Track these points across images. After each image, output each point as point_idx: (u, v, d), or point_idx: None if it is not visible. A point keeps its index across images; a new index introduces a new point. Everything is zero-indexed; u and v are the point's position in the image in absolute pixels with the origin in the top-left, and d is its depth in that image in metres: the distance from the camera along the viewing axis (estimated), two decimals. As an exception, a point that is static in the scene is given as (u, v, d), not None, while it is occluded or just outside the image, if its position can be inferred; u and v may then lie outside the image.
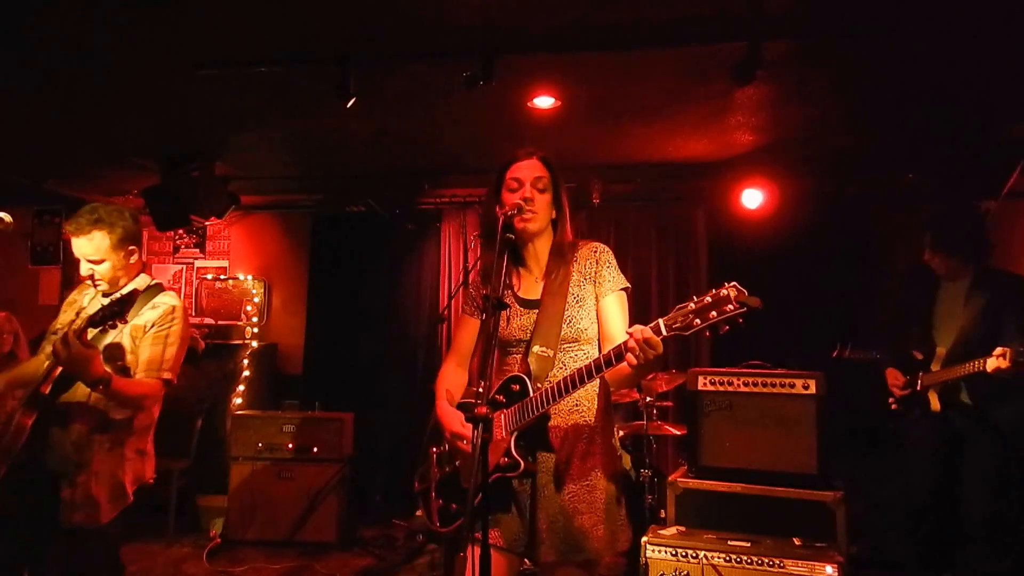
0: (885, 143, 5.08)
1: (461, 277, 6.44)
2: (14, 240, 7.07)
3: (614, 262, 2.46)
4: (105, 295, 2.98)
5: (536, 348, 2.34)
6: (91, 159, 5.69)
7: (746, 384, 4.10)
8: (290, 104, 4.45)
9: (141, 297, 2.94)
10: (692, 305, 1.96)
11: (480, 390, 2.08)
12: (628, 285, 2.45)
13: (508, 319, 2.41)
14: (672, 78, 3.97)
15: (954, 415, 3.96)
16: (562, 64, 3.82)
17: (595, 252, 2.46)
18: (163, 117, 4.71)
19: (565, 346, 2.37)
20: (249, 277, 7.03)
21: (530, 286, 2.48)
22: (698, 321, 1.94)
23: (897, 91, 4.15)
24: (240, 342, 6.63)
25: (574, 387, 2.20)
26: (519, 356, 2.40)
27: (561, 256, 2.45)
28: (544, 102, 4.28)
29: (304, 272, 7.05)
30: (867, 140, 5.03)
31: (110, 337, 2.85)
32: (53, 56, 3.75)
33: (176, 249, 7.24)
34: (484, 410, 2.01)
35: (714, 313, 1.91)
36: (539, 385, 2.29)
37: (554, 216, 2.48)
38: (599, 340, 2.44)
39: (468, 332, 2.61)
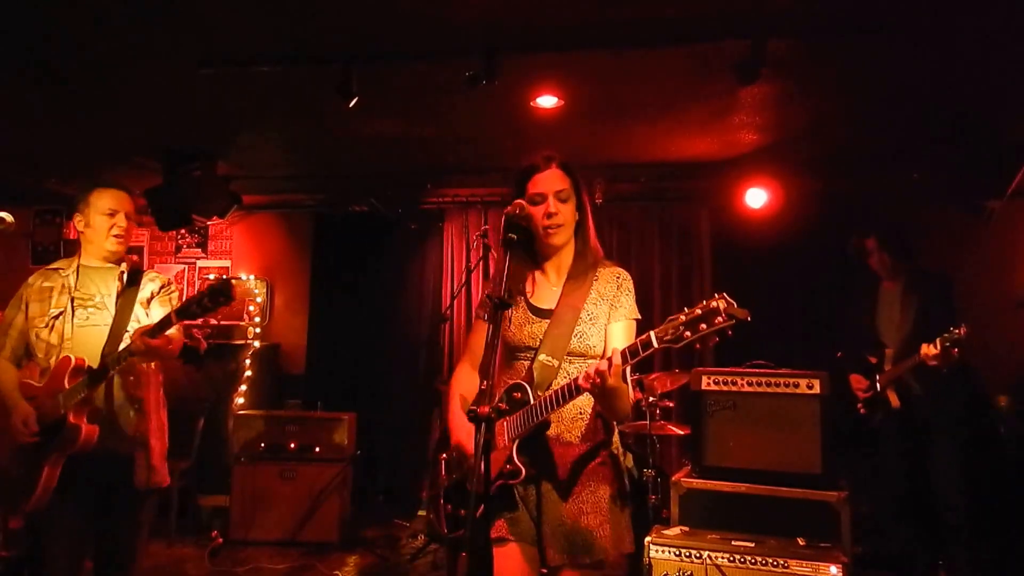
0: (890, 142, 5.07)
1: (464, 277, 6.43)
2: (15, 240, 7.08)
3: (633, 291, 2.47)
4: (109, 261, 3.14)
5: (542, 357, 2.36)
6: (93, 159, 5.69)
7: (750, 384, 4.08)
8: (292, 104, 4.44)
9: (131, 274, 3.17)
10: (683, 317, 1.98)
11: (483, 388, 2.10)
12: (639, 317, 2.46)
13: (520, 324, 2.43)
14: (676, 77, 3.96)
15: (914, 409, 4.27)
16: (565, 63, 3.81)
17: (618, 278, 2.46)
18: (165, 116, 4.71)
19: (571, 358, 2.39)
20: (251, 277, 7.03)
21: (545, 293, 2.48)
22: (688, 333, 1.96)
23: (901, 90, 4.14)
24: (242, 342, 6.63)
25: (567, 398, 2.22)
26: (527, 363, 2.41)
27: (584, 268, 2.45)
28: (547, 101, 4.27)
29: (306, 272, 7.05)
30: (872, 139, 5.02)
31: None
32: (55, 55, 3.75)
33: (178, 249, 7.24)
34: (486, 410, 2.02)
35: (704, 325, 1.94)
36: (539, 394, 2.30)
37: (576, 218, 2.48)
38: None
39: (481, 336, 2.59)
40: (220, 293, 2.72)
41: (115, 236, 3.09)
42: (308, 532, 5.47)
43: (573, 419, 2.38)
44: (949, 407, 4.24)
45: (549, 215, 2.38)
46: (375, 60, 3.70)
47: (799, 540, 3.57)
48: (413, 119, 4.68)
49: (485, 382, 2.13)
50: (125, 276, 3.15)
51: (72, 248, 3.27)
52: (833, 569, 3.36)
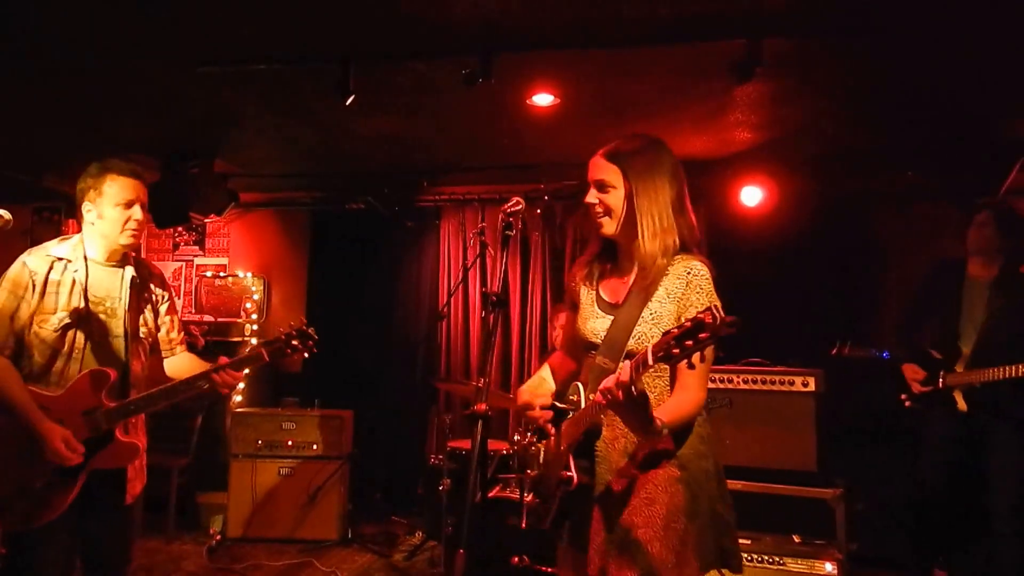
0: (884, 141, 5.08)
1: (460, 275, 6.44)
2: (13, 237, 7.04)
3: (708, 286, 2.15)
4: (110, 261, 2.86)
5: (599, 359, 2.20)
6: (90, 156, 5.63)
7: (746, 381, 4.11)
8: (290, 102, 4.45)
9: (139, 276, 2.95)
10: (675, 331, 1.76)
11: (479, 386, 2.11)
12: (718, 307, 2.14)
13: (585, 318, 2.30)
14: (672, 75, 3.96)
15: (977, 413, 3.91)
16: (561, 61, 3.81)
17: (688, 272, 2.17)
18: (163, 114, 4.71)
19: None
20: (249, 274, 7.03)
21: (616, 287, 2.30)
22: (677, 351, 1.75)
23: (896, 89, 4.16)
24: (239, 339, 6.63)
25: (600, 411, 2.06)
26: (590, 361, 2.26)
27: (653, 260, 2.16)
28: (543, 100, 4.28)
29: (304, 269, 7.05)
30: (866, 138, 5.03)
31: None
32: (53, 52, 3.75)
33: (176, 246, 7.24)
34: (483, 407, 2.05)
35: (690, 342, 1.72)
36: (591, 397, 2.13)
37: (626, 207, 2.23)
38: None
39: (565, 323, 2.63)
40: (308, 336, 2.90)
41: (131, 230, 2.81)
42: (306, 529, 5.48)
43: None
44: (1014, 414, 3.87)
45: (589, 204, 2.27)
46: (372, 59, 3.71)
47: (795, 537, 3.60)
48: (410, 117, 4.69)
49: (483, 379, 2.14)
50: (136, 280, 2.89)
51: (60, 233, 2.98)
52: (828, 566, 3.39)
